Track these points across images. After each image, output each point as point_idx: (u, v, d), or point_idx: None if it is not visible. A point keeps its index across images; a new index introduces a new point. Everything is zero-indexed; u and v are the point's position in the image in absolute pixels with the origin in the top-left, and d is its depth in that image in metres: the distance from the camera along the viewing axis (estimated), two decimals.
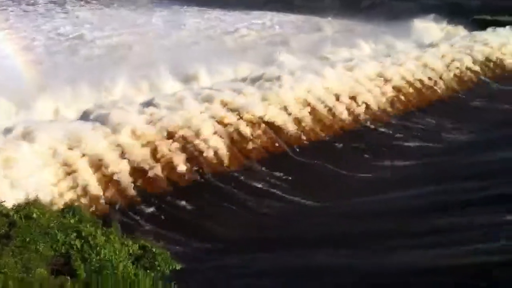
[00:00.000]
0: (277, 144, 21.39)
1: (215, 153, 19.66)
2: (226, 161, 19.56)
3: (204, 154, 19.42)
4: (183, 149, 19.35)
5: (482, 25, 41.39)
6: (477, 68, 33.38)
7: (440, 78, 30.65)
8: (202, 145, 19.71)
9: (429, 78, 30.04)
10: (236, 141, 20.70)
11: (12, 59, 30.84)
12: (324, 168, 20.25)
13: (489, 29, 40.01)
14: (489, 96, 30.24)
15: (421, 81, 29.47)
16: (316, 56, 31.96)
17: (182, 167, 18.59)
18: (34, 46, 36.33)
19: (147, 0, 60.39)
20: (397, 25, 39.81)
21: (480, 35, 38.61)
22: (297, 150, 21.45)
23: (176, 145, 19.39)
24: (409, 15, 42.18)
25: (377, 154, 21.90)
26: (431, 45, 36.05)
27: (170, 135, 19.75)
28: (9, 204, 8.33)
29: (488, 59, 34.63)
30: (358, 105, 25.26)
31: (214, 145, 19.91)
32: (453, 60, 33.05)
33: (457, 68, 32.49)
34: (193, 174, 18.65)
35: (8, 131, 18.30)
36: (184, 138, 19.76)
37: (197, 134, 20.08)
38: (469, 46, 35.74)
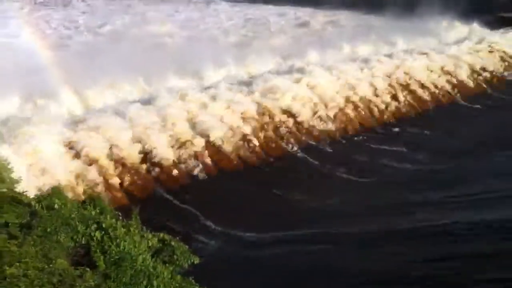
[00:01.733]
0: None
1: None
2: None
3: None
4: None
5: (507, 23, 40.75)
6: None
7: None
8: None
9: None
10: None
11: None
12: None
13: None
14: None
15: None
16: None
17: None
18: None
19: None
20: (420, 22, 39.46)
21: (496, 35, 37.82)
22: None
23: None
24: (432, 11, 41.60)
25: None
26: (454, 43, 35.55)
27: None
28: (31, 193, 8.41)
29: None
30: None
31: None
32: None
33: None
34: None
35: None
36: None
37: None
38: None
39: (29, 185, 12.43)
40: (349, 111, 25.37)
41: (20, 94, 21.74)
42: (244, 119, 22.52)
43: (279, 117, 23.22)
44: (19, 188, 8.74)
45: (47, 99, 21.97)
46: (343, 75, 27.48)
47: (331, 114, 24.71)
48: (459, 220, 15.37)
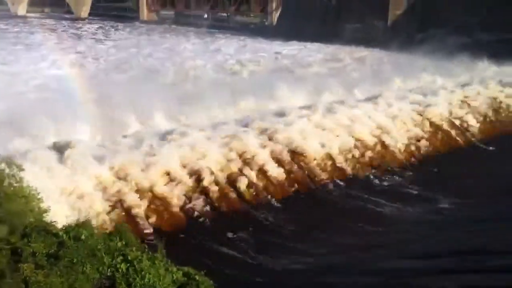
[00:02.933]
0: None
1: None
2: None
3: None
4: None
5: None
6: None
7: None
8: None
9: None
10: None
11: None
12: None
13: None
14: None
15: None
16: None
17: None
18: None
19: None
20: (448, 61, 39.32)
21: None
22: None
23: None
24: (461, 51, 41.41)
25: None
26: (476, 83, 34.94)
27: None
28: (60, 223, 8.49)
29: None
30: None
31: None
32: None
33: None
34: None
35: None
36: None
37: None
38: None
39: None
40: None
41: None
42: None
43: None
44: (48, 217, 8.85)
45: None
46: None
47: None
48: None
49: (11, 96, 27.22)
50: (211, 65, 42.87)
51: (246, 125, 23.20)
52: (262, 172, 20.43)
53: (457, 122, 28.26)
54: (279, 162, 21.15)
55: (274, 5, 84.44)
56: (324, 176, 21.53)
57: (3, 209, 8.08)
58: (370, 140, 24.23)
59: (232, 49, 56.23)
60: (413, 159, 24.41)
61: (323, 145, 22.84)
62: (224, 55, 50.34)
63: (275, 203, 19.27)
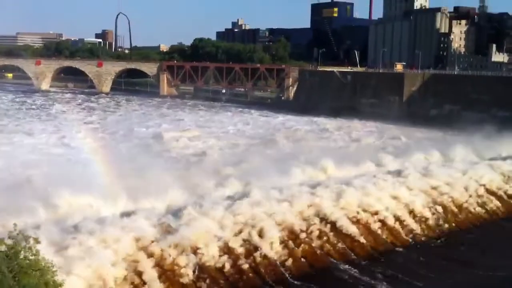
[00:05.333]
0: None
1: None
2: None
3: None
4: None
5: None
6: None
7: None
8: None
9: None
10: None
11: None
12: None
13: None
14: None
15: None
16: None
17: None
18: None
19: None
20: (464, 137, 39.27)
21: None
22: None
23: None
24: (477, 127, 41.42)
25: None
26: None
27: None
28: None
29: None
30: None
31: None
32: None
33: None
34: None
35: None
36: None
37: None
38: None
39: None
40: None
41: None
42: None
43: None
44: None
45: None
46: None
47: None
48: None
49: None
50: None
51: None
52: None
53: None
54: None
55: (290, 80, 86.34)
56: None
57: (18, 283, 8.12)
58: None
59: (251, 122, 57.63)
60: None
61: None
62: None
63: None
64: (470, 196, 26.38)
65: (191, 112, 68.21)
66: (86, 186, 20.98)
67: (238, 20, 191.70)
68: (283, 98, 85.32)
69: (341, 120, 56.95)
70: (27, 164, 27.48)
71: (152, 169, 24.57)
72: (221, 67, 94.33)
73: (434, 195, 25.35)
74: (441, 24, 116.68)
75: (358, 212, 22.00)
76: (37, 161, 29.20)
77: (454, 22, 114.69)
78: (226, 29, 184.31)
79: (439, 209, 24.39)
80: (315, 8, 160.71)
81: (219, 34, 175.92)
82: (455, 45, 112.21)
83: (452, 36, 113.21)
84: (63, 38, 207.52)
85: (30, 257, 9.33)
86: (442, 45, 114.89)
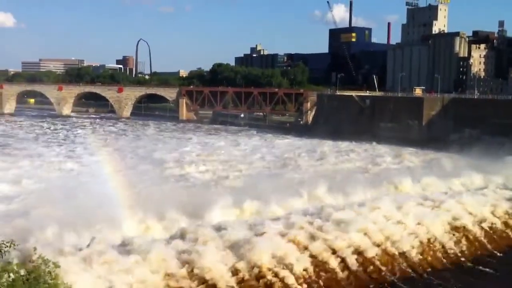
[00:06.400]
0: None
1: None
2: None
3: None
4: None
5: None
6: None
7: None
8: None
9: None
10: None
11: None
12: None
13: None
14: None
15: None
16: None
17: None
18: None
19: None
20: (486, 161, 38.68)
21: None
22: None
23: None
24: (498, 151, 40.91)
25: None
26: None
27: None
28: None
29: None
30: None
31: None
32: None
33: None
34: None
35: None
36: None
37: None
38: None
39: None
40: None
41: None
42: None
43: None
44: None
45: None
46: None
47: None
48: None
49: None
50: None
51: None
52: None
53: None
54: None
55: (309, 105, 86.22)
56: None
57: None
58: None
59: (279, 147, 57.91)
60: None
61: None
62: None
63: None
64: None
65: (221, 136, 68.84)
66: None
67: (256, 45, 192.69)
68: (301, 122, 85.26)
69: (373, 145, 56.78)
70: None
71: None
72: (240, 92, 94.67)
73: None
74: (460, 48, 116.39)
75: None
76: None
77: (473, 46, 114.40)
78: (244, 54, 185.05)
79: None
80: (333, 34, 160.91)
81: (237, 59, 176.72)
82: (474, 69, 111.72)
83: (471, 60, 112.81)
84: (85, 64, 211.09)
85: (49, 281, 9.38)
86: (461, 69, 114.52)
